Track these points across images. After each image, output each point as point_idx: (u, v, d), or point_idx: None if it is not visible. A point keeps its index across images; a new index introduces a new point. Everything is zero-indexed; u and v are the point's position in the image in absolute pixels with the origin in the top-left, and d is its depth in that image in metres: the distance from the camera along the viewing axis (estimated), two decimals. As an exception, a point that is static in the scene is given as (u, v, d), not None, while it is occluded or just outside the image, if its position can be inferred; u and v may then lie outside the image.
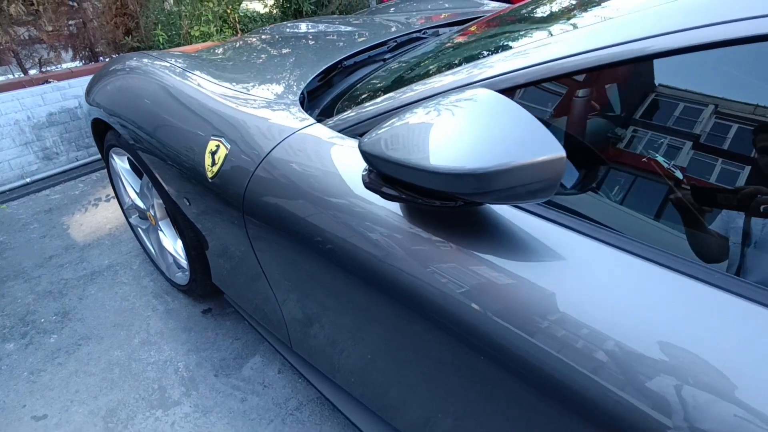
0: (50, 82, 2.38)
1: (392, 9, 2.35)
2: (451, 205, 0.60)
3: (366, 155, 0.63)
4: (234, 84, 1.18)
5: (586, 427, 0.53)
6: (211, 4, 2.85)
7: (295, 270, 0.96)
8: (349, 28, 1.71)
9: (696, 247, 0.55)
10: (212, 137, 1.03)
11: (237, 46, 1.68)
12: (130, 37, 2.84)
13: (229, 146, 0.99)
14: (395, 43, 1.43)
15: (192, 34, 2.90)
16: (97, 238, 2.06)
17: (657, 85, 0.60)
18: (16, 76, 2.45)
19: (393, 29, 1.61)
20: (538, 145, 0.49)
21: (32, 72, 2.53)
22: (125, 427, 1.30)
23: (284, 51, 1.51)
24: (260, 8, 3.92)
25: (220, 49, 1.64)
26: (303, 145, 0.89)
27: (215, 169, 1.01)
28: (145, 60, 1.41)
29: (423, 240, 0.68)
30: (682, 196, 0.57)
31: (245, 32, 3.28)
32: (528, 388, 0.58)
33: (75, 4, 2.52)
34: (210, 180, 1.03)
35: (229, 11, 3.06)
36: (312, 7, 3.49)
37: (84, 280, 1.82)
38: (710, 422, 0.45)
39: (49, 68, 2.55)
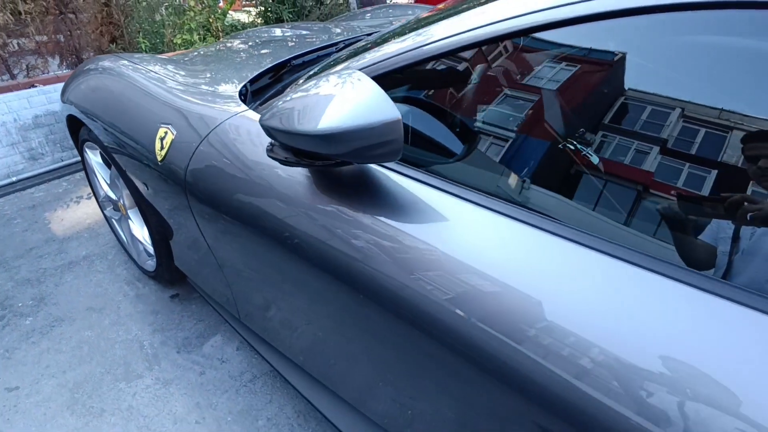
0: (36, 86, 2.51)
1: (368, 15, 2.50)
2: (330, 164, 0.72)
3: (265, 129, 0.75)
4: (187, 80, 1.30)
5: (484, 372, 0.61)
6: (192, 13, 3.01)
7: (232, 243, 1.07)
8: (310, 32, 1.85)
9: (553, 207, 0.65)
10: (161, 125, 1.15)
11: (205, 50, 1.81)
12: (115, 44, 2.99)
13: (175, 132, 1.11)
14: (344, 45, 1.56)
15: (175, 42, 3.04)
16: (77, 232, 2.18)
17: (525, 59, 0.72)
18: (5, 79, 2.58)
19: (348, 33, 1.75)
20: (380, 111, 0.61)
21: (19, 77, 2.67)
22: (90, 397, 1.41)
23: (242, 53, 1.64)
24: (245, 18, 4.08)
25: (190, 55, 1.77)
26: (235, 128, 1.01)
27: (163, 153, 1.13)
28: (116, 61, 1.54)
29: (325, 203, 0.80)
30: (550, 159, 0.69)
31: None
32: (435, 342, 0.66)
33: (60, 14, 2.67)
34: (160, 163, 1.15)
35: (211, 20, 3.22)
36: (291, 17, 3.65)
37: (61, 269, 1.94)
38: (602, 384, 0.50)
39: (35, 73, 2.69)
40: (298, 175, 0.86)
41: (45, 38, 2.68)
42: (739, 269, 0.49)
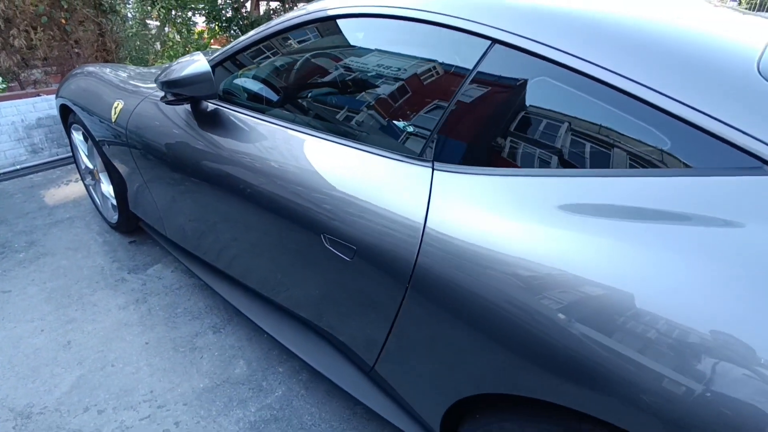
0: (41, 95, 3.19)
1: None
2: (184, 98, 1.35)
3: (156, 83, 1.39)
4: (134, 79, 1.97)
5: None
6: (171, 44, 3.74)
7: (156, 174, 1.69)
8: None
9: (320, 126, 1.27)
10: (116, 100, 1.80)
11: (149, 68, 2.49)
12: (108, 66, 3.71)
13: (123, 103, 1.76)
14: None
15: (156, 64, 3.76)
16: (63, 203, 2.80)
17: (305, 45, 1.36)
18: (16, 90, 3.27)
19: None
20: (199, 68, 1.25)
21: (28, 89, 3.36)
22: (61, 296, 1.99)
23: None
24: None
25: (140, 69, 2.44)
26: (153, 101, 1.66)
27: (115, 116, 1.78)
28: (95, 67, 2.21)
29: (198, 134, 1.42)
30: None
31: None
32: (276, 219, 1.26)
33: (64, 41, 3.39)
34: (113, 123, 1.79)
35: (187, 49, 3.94)
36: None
37: (49, 225, 2.55)
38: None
39: (41, 86, 3.39)
40: (180, 117, 1.49)
41: (50, 59, 3.39)
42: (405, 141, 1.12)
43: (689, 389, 0.59)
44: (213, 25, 4.29)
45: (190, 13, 3.99)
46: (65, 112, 2.37)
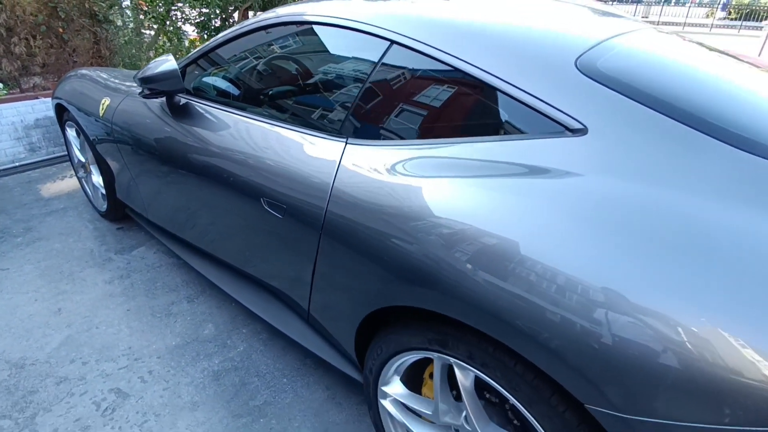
0: (39, 98, 3.45)
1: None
2: (157, 92, 1.60)
3: (135, 79, 1.65)
4: (120, 79, 2.22)
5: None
6: (162, 51, 4.00)
7: (138, 161, 1.94)
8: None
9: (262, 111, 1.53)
10: (104, 97, 2.06)
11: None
12: (102, 72, 3.97)
13: (109, 100, 2.02)
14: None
15: (148, 70, 4.04)
16: (58, 195, 3.04)
17: (259, 48, 1.62)
18: (16, 93, 3.53)
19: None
20: (167, 66, 1.51)
21: (27, 93, 3.62)
22: (53, 272, 2.23)
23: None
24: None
25: (125, 71, 2.70)
26: (133, 97, 1.91)
27: (102, 111, 2.03)
28: (87, 70, 2.47)
29: (171, 123, 1.67)
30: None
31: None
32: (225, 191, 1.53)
33: (61, 48, 3.66)
34: (101, 118, 2.05)
35: (178, 56, 4.21)
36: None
37: (44, 214, 2.79)
38: None
39: (39, 89, 3.65)
40: (157, 111, 1.74)
41: (48, 66, 3.65)
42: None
43: (513, 294, 0.82)
44: (204, 34, 4.57)
45: (180, 23, 4.27)
46: (60, 111, 2.62)
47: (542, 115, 0.95)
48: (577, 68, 0.99)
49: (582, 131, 0.91)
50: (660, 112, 0.89)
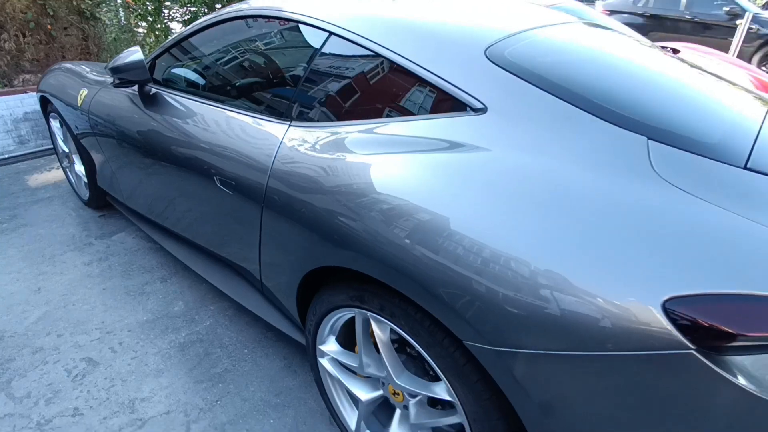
0: (28, 92, 3.57)
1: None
2: (126, 82, 1.72)
3: (106, 69, 1.76)
4: (99, 72, 2.34)
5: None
6: (149, 48, 4.12)
7: (114, 148, 2.05)
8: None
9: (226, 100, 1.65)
10: (82, 88, 2.18)
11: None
12: (91, 68, 4.09)
13: (87, 90, 2.14)
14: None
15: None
16: (45, 185, 3.16)
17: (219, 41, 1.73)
18: (6, 87, 3.65)
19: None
20: (133, 56, 1.63)
21: (17, 87, 3.74)
22: (35, 255, 2.35)
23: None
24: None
25: (103, 65, 2.82)
26: (108, 88, 2.03)
27: (80, 101, 2.15)
28: (69, 64, 2.59)
29: (141, 112, 1.79)
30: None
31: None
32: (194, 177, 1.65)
33: (48, 44, 3.78)
34: (79, 107, 2.17)
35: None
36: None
37: (30, 203, 2.91)
38: None
39: (28, 84, 3.77)
40: (130, 100, 1.86)
41: (37, 61, 3.77)
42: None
43: (419, 254, 0.94)
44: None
45: (167, 21, 4.39)
46: (45, 103, 2.74)
47: (453, 97, 1.07)
48: (486, 56, 1.11)
49: (482, 110, 1.03)
50: (550, 93, 1.01)
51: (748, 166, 0.89)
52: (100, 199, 2.66)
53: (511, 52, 1.13)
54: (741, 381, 0.70)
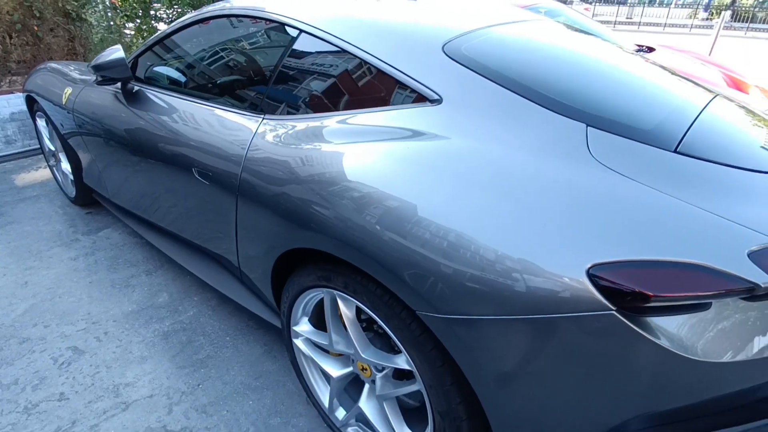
0: (14, 93, 3.60)
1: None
2: (109, 79, 1.78)
3: (90, 68, 1.82)
4: (83, 72, 2.40)
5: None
6: (135, 48, 4.14)
7: (98, 144, 2.11)
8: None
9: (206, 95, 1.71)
10: (66, 87, 2.23)
11: None
12: (78, 68, 4.13)
13: (71, 88, 2.19)
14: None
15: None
16: (32, 184, 3.20)
17: (196, 42, 1.80)
18: (-8, 89, 3.68)
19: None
20: (115, 55, 1.69)
21: (3, 88, 3.77)
22: (22, 251, 2.39)
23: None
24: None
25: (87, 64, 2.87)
26: (91, 86, 2.08)
27: (65, 100, 2.20)
28: (55, 64, 2.64)
29: (124, 109, 1.85)
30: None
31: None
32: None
33: (35, 44, 3.81)
34: (64, 105, 2.22)
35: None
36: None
37: (17, 201, 2.95)
38: None
39: (15, 85, 3.80)
40: (112, 97, 1.92)
41: (24, 62, 3.80)
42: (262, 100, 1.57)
43: (367, 229, 1.02)
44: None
45: (153, 23, 4.43)
46: (31, 102, 2.79)
47: (412, 89, 1.15)
48: (443, 51, 1.19)
49: (438, 101, 1.10)
50: (501, 85, 1.09)
51: (678, 150, 0.98)
52: (86, 197, 2.71)
53: (468, 47, 1.21)
54: (658, 339, 0.78)
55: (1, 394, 1.57)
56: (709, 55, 5.17)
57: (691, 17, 22.91)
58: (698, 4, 23.62)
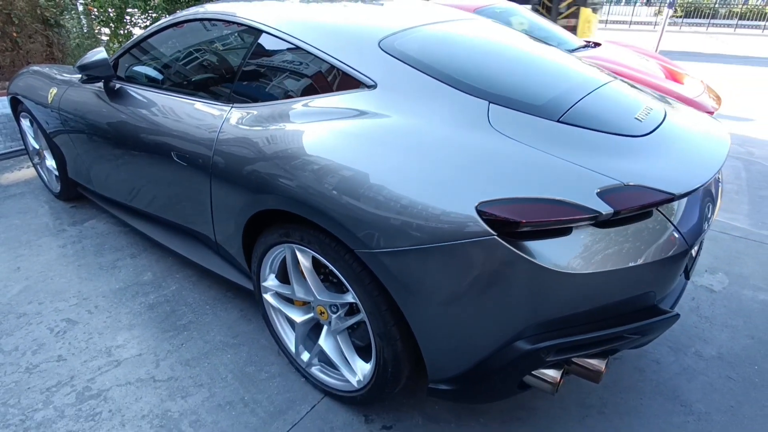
0: (-5, 97, 3.75)
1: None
2: (94, 78, 1.99)
3: (75, 66, 2.03)
4: (69, 73, 2.59)
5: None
6: (113, 53, 4.33)
7: (83, 139, 2.30)
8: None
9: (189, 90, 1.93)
10: (52, 87, 2.42)
11: None
12: (56, 73, 4.28)
13: (56, 88, 2.38)
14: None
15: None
16: (17, 182, 3.36)
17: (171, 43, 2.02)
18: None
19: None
20: (98, 56, 1.91)
21: (-16, 92, 3.91)
22: (12, 242, 2.57)
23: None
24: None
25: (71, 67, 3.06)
26: (77, 85, 2.28)
27: (50, 99, 2.39)
28: (38, 67, 2.82)
29: (106, 106, 2.06)
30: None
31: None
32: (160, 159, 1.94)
33: (14, 50, 3.96)
34: (49, 104, 2.41)
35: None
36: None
37: (3, 198, 3.10)
38: None
39: (-4, 90, 3.94)
40: (95, 94, 2.13)
41: (3, 68, 3.95)
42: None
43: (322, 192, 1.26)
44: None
45: (130, 27, 4.60)
46: (15, 104, 2.95)
47: (353, 77, 1.40)
48: (379, 46, 1.44)
49: (374, 86, 1.36)
50: (423, 72, 1.35)
51: (560, 120, 1.25)
52: (71, 191, 2.89)
53: (400, 42, 1.47)
54: (534, 258, 1.04)
55: (3, 359, 1.77)
56: (656, 50, 5.55)
57: (656, 15, 23.77)
58: (662, 3, 24.50)
